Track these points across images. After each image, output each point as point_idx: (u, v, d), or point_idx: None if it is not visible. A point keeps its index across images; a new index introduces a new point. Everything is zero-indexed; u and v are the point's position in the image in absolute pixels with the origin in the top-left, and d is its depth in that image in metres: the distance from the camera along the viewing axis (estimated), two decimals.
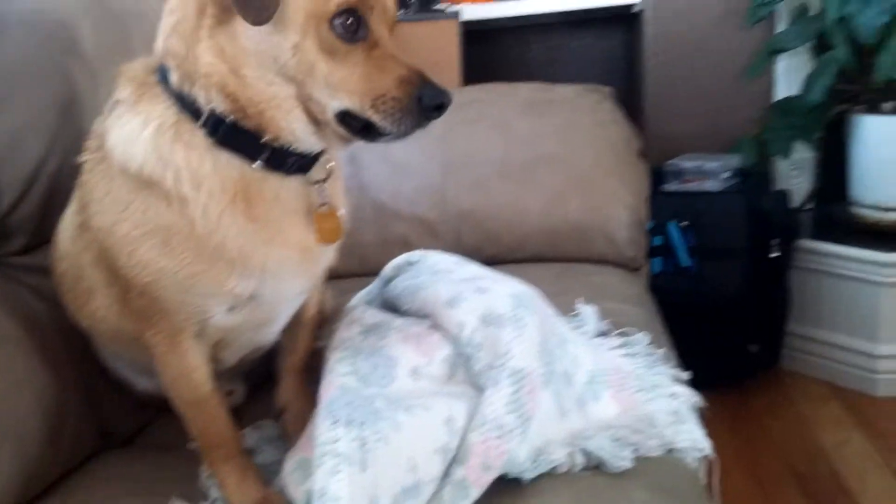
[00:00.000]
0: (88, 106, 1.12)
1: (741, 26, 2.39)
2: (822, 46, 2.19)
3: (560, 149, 1.60)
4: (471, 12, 2.48)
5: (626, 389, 1.02)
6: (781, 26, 2.39)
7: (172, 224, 0.79)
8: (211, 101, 0.77)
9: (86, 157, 0.88)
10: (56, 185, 1.07)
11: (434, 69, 2.17)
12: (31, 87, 1.04)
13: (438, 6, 2.54)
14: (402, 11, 2.43)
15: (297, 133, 0.80)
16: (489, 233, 1.59)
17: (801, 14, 2.28)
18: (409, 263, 1.21)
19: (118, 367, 1.09)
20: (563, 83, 1.94)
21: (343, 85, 0.76)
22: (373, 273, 1.25)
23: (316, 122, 0.80)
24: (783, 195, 2.23)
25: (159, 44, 0.82)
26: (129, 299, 0.86)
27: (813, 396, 2.15)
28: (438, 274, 1.11)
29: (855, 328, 2.15)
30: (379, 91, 0.76)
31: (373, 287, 1.21)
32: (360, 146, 0.85)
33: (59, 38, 1.10)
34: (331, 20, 0.74)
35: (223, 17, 0.75)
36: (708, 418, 1.02)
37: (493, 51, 3.00)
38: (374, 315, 1.05)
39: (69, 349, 1.06)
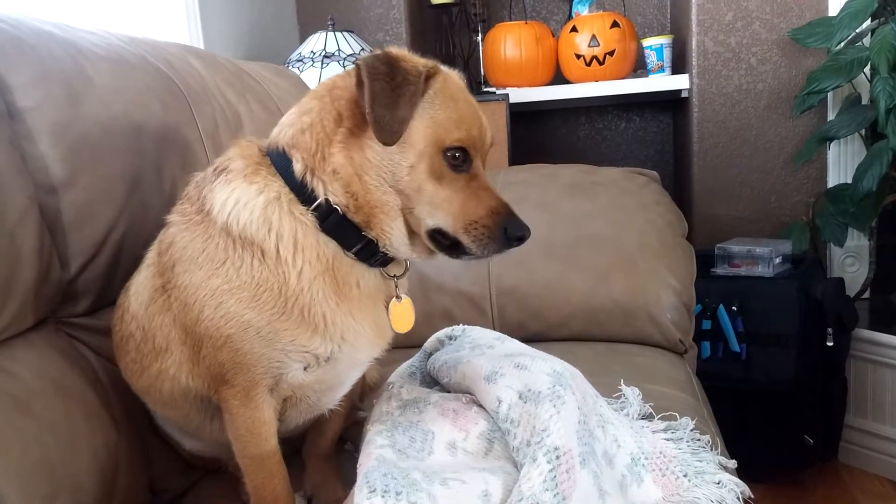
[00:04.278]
0: (153, 179, 1.20)
1: (791, 114, 2.40)
2: (874, 134, 2.18)
3: (604, 229, 1.61)
4: (519, 95, 2.54)
5: (669, 474, 0.99)
6: (832, 113, 2.38)
7: (264, 281, 0.87)
8: (328, 192, 0.88)
9: (176, 216, 0.95)
10: (120, 252, 1.13)
11: None
12: (105, 161, 1.11)
13: (488, 88, 2.64)
14: None
15: (394, 239, 0.90)
16: (532, 309, 1.59)
17: (852, 103, 2.28)
18: (451, 337, 1.24)
19: (167, 427, 1.13)
20: (610, 164, 1.97)
21: (443, 206, 0.87)
22: (416, 345, 1.26)
23: (411, 232, 0.90)
24: (838, 283, 2.16)
25: (286, 134, 0.92)
26: (203, 357, 0.92)
27: (875, 494, 2.03)
28: (479, 348, 1.12)
29: None
30: (472, 217, 0.87)
31: (414, 360, 1.22)
32: None
33: (132, 117, 1.18)
34: (444, 151, 0.87)
35: (356, 131, 0.88)
36: None
37: (541, 131, 3.08)
38: (412, 390, 1.07)
39: (125, 407, 1.10)
